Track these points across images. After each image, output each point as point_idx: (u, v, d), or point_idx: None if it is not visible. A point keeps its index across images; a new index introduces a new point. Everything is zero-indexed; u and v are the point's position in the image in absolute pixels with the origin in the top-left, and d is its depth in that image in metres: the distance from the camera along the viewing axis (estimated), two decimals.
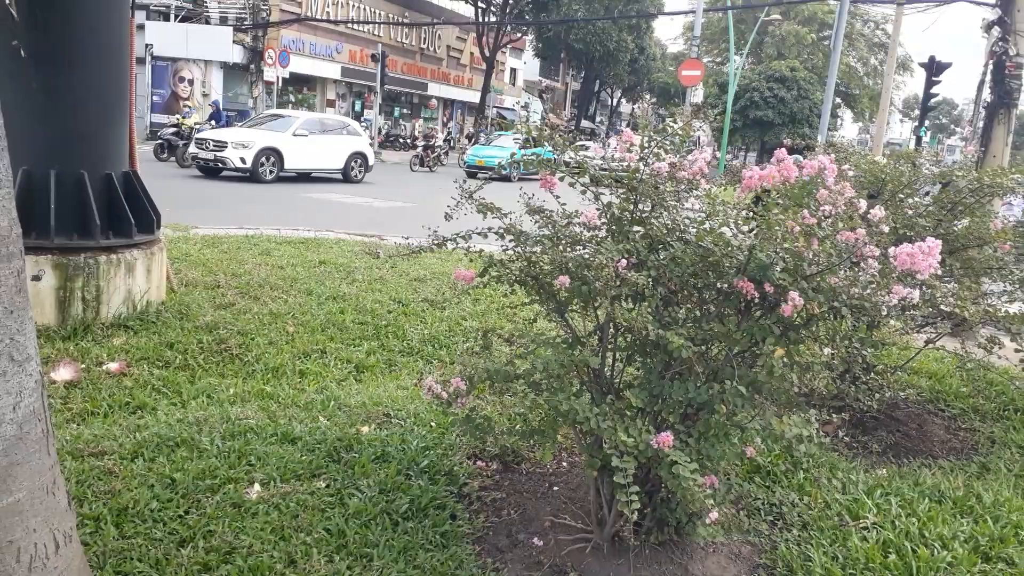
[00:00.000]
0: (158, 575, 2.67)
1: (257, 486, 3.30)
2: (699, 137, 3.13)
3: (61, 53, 5.19)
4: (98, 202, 5.45)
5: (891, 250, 2.56)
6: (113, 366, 4.69)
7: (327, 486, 3.36)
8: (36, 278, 5.05)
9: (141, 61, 26.91)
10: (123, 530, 2.91)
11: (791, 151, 3.04)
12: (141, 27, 26.54)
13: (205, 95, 29.75)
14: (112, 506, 3.04)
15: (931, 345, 5.07)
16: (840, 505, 3.52)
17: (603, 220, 2.92)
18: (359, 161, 20.97)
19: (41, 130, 5.21)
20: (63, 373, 4.49)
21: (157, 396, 4.42)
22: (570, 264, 2.77)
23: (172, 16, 30.53)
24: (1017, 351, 4.19)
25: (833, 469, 3.93)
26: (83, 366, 4.64)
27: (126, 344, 5.07)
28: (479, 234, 2.96)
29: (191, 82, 29.81)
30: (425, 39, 40.76)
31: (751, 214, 2.93)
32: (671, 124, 2.99)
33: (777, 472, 3.82)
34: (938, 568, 3.02)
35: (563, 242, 2.94)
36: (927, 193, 4.92)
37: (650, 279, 2.75)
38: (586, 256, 2.78)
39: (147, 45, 28.00)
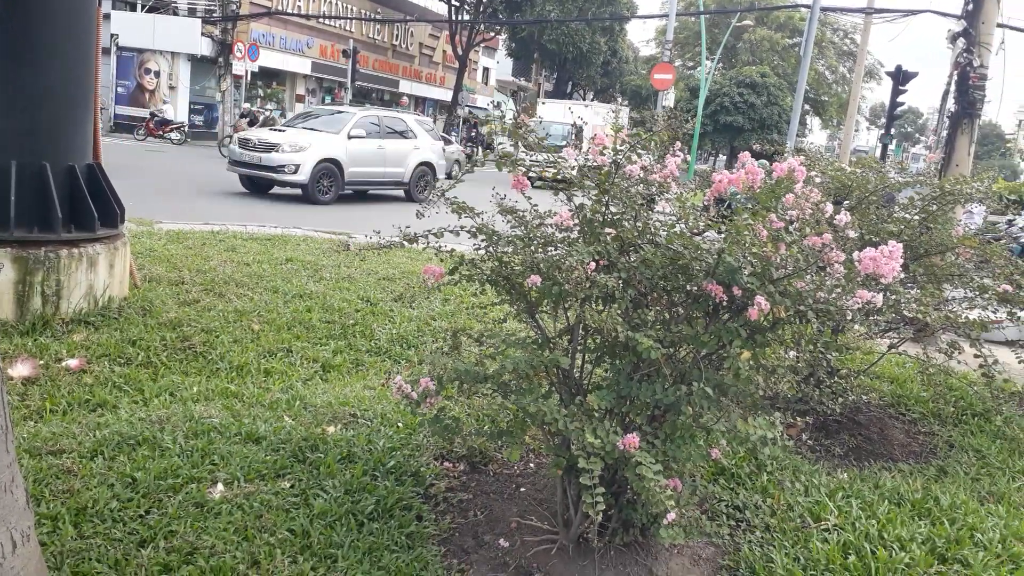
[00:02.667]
0: (117, 575, 2.62)
1: (220, 486, 3.25)
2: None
3: (24, 44, 5.07)
4: (60, 194, 5.34)
5: (855, 254, 2.60)
6: (73, 363, 4.59)
7: (292, 486, 3.32)
8: None
9: (106, 51, 26.40)
10: (82, 530, 2.85)
11: (759, 156, 3.08)
12: (107, 16, 26.00)
13: (172, 87, 29.28)
14: (71, 505, 2.97)
15: (893, 350, 5.16)
16: (802, 507, 3.57)
17: (575, 221, 2.93)
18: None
19: (2, 121, 5.09)
20: (21, 369, 4.39)
21: (118, 394, 4.33)
22: (541, 265, 2.77)
23: (139, 6, 29.99)
24: (976, 356, 4.28)
25: (796, 472, 3.99)
26: (42, 362, 4.54)
27: (87, 340, 4.97)
28: (451, 232, 2.96)
29: (157, 74, 29.31)
30: (397, 36, 40.56)
31: (716, 217, 2.97)
32: (642, 132, 3.01)
33: (741, 474, 3.86)
34: (896, 569, 3.07)
35: (535, 242, 2.94)
36: (887, 201, 5.00)
37: (620, 281, 2.76)
38: (557, 257, 2.79)
39: (112, 35, 27.46)
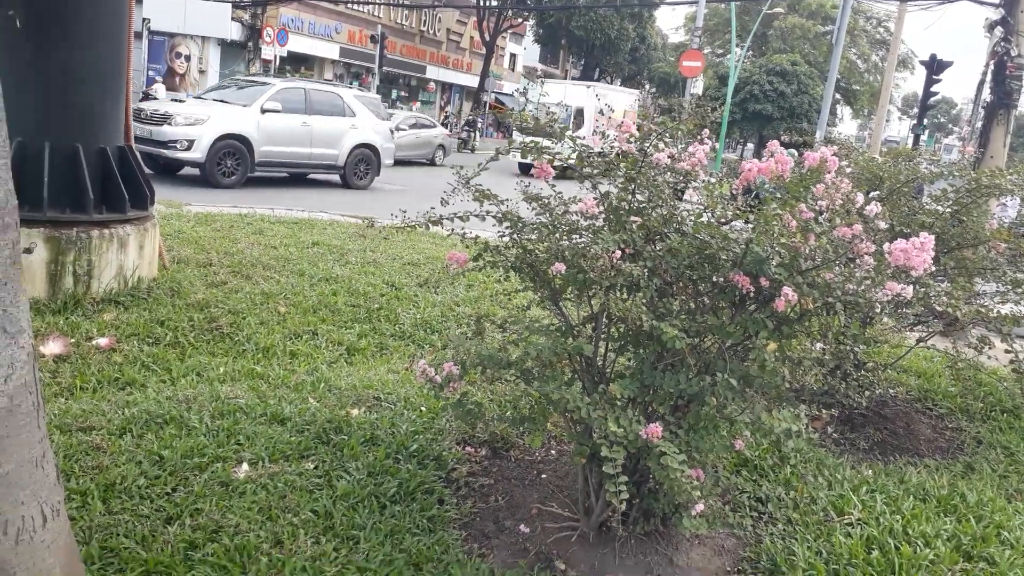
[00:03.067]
0: (144, 551, 2.67)
1: (245, 465, 3.29)
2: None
3: (58, 25, 5.13)
4: (92, 176, 5.41)
5: (886, 246, 2.56)
6: (103, 341, 4.67)
7: (315, 467, 3.35)
8: (28, 251, 5.01)
9: (138, 35, 26.62)
10: (110, 506, 2.90)
11: (788, 146, 3.04)
12: (139, 0, 26.23)
13: (202, 71, 29.50)
14: (99, 481, 3.03)
15: (922, 344, 5.09)
16: (826, 501, 3.54)
17: (600, 209, 2.91)
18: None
19: (36, 102, 5.16)
20: (53, 347, 4.47)
21: (146, 373, 4.40)
22: (566, 252, 2.76)
23: None
24: (1007, 352, 4.21)
25: (820, 465, 3.95)
26: (73, 341, 4.62)
27: (116, 320, 5.05)
28: (476, 216, 2.96)
29: (188, 58, 29.52)
30: (425, 21, 40.48)
31: (744, 206, 2.94)
32: (670, 122, 2.97)
33: (764, 466, 3.84)
34: (920, 566, 3.04)
35: (560, 230, 2.93)
36: (916, 193, 4.91)
37: (646, 270, 2.75)
38: (582, 245, 2.78)
39: (144, 19, 27.66)
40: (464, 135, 31.41)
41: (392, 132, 16.15)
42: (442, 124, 31.63)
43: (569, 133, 3.08)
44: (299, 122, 13.79)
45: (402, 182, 17.16)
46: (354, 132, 14.78)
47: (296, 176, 14.93)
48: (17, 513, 2.04)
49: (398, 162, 19.20)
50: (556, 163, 3.02)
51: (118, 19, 5.56)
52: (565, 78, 58.12)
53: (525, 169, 20.19)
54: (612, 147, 3.02)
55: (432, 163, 23.45)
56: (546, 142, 3.09)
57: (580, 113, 23.87)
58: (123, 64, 5.72)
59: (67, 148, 5.30)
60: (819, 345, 3.10)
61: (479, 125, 36.29)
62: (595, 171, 3.03)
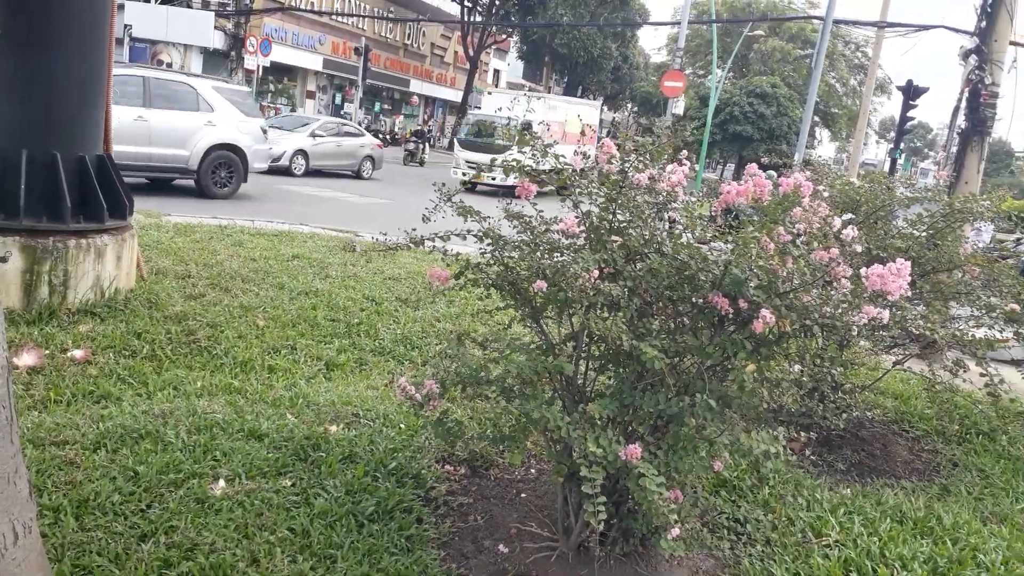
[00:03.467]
0: (117, 570, 2.62)
1: (222, 482, 3.25)
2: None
3: (39, 34, 5.09)
4: (70, 185, 5.35)
5: (863, 271, 2.60)
6: (78, 353, 4.60)
7: (293, 485, 3.32)
8: (2, 260, 4.94)
9: (120, 42, 26.40)
10: (83, 522, 2.86)
11: (767, 168, 3.08)
12: (121, 7, 25.92)
13: None
14: (73, 497, 2.98)
15: (898, 366, 5.14)
16: (804, 522, 3.56)
17: (581, 228, 2.93)
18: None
19: (14, 110, 5.12)
20: (27, 359, 4.40)
21: (122, 386, 4.34)
22: (547, 270, 2.77)
23: None
24: (982, 375, 4.27)
25: (798, 486, 3.98)
26: (47, 352, 4.55)
27: (92, 331, 4.98)
28: (458, 235, 2.96)
29: (169, 66, 29.36)
30: (409, 35, 40.62)
31: (724, 227, 2.97)
32: (648, 142, 3.00)
33: (743, 487, 3.85)
34: None
35: (541, 248, 2.94)
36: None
37: (626, 289, 2.76)
38: (563, 263, 2.79)
39: (126, 26, 27.43)
40: (411, 147, 29.41)
41: (265, 132, 14.02)
42: (422, 137, 31.13)
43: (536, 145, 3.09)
44: (133, 116, 11.77)
45: (283, 193, 15.55)
46: (209, 130, 12.72)
47: (157, 181, 13.11)
48: None
49: (321, 173, 19.05)
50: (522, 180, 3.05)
51: (99, 27, 5.52)
52: (548, 94, 58.49)
53: (471, 187, 20.07)
54: (582, 164, 3.04)
55: (358, 176, 21.26)
56: (526, 160, 3.11)
57: (529, 126, 23.49)
58: (103, 73, 5.68)
59: (45, 156, 5.25)
60: (797, 367, 3.13)
61: (429, 136, 35.65)
62: (572, 190, 3.05)
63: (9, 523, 2.06)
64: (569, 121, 24.26)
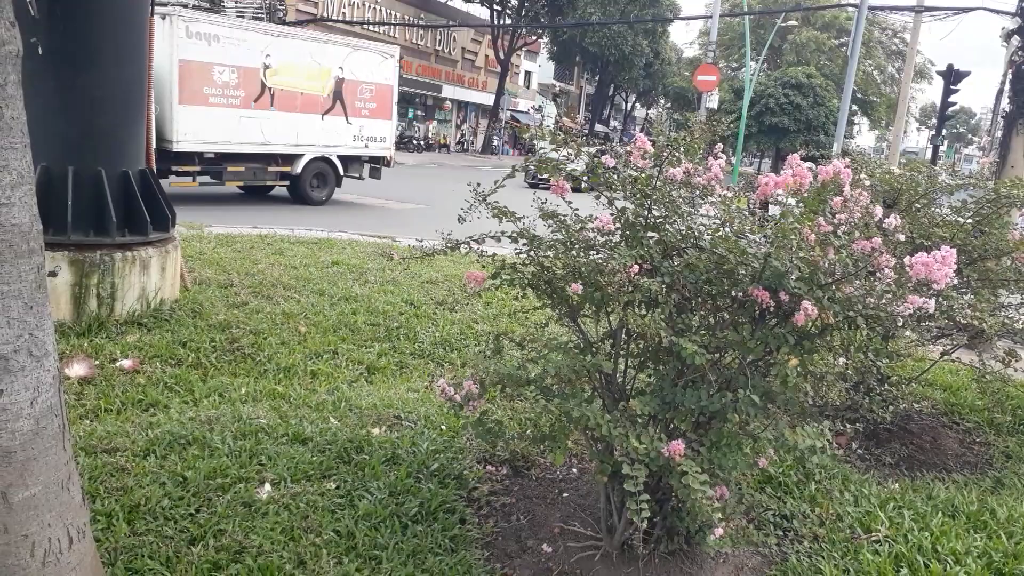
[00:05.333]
0: (168, 573, 2.68)
1: (268, 486, 3.31)
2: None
3: (80, 52, 5.23)
4: (115, 199, 5.50)
5: (907, 259, 2.54)
6: (126, 363, 4.71)
7: (337, 487, 3.36)
8: (52, 274, 5.08)
9: None
10: (135, 527, 2.92)
11: (805, 159, 3.02)
12: None
13: None
14: (124, 503, 3.05)
15: (946, 357, 5.03)
16: (852, 518, 3.50)
17: (617, 225, 2.91)
18: None
19: (60, 127, 5.26)
20: (77, 369, 4.52)
21: (169, 394, 4.44)
22: (583, 269, 2.77)
23: None
24: None
25: (845, 481, 3.91)
26: (97, 363, 4.67)
27: (139, 341, 5.10)
28: (492, 238, 2.96)
29: None
30: (440, 41, 40.83)
31: (762, 220, 2.93)
32: (682, 137, 2.96)
33: (789, 483, 3.79)
34: None
35: (576, 247, 2.93)
36: None
37: (664, 285, 2.74)
38: (599, 261, 2.78)
39: None
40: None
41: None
42: (457, 142, 31.01)
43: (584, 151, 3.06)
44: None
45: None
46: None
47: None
48: (44, 535, 2.06)
49: None
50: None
51: (139, 45, 5.67)
52: (580, 95, 58.26)
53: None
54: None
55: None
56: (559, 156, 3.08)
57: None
58: (144, 89, 5.82)
59: (90, 172, 5.39)
60: (841, 360, 3.08)
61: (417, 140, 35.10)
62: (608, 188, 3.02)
63: (63, 528, 2.12)
64: (304, 71, 14.27)
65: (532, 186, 17.76)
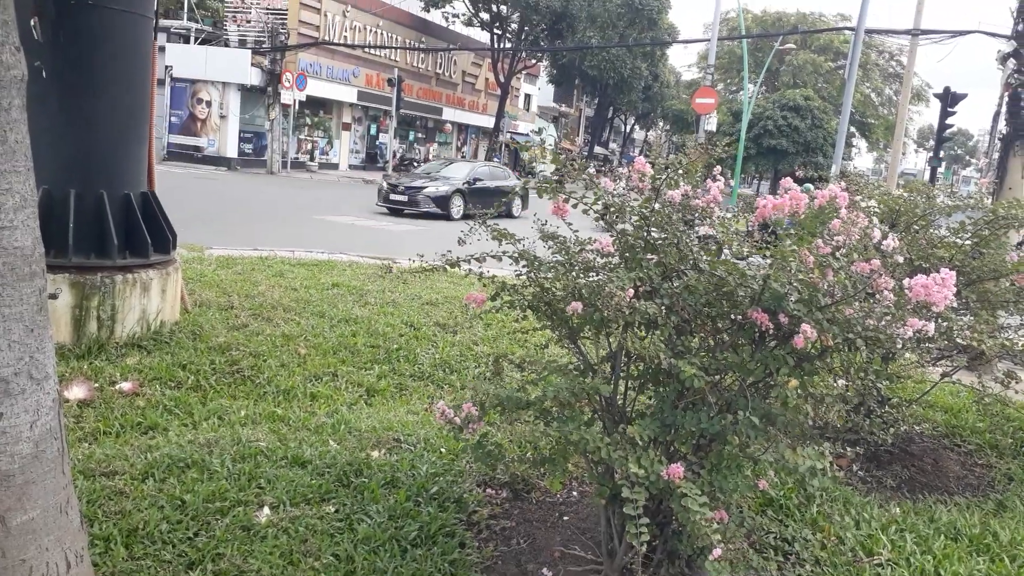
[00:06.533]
0: None
1: (267, 509, 3.29)
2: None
3: (83, 76, 5.28)
4: (116, 222, 5.51)
5: (906, 282, 2.55)
6: (126, 386, 4.71)
7: (336, 511, 3.34)
8: (53, 296, 5.08)
9: (161, 83, 27.28)
10: (133, 551, 2.91)
11: (804, 181, 3.04)
12: (162, 49, 26.91)
13: (223, 116, 30.11)
14: (122, 526, 3.04)
15: (947, 379, 5.02)
16: (854, 541, 3.48)
17: (616, 247, 2.93)
18: None
19: (61, 150, 5.29)
20: (77, 392, 4.51)
21: (169, 417, 4.43)
22: (583, 290, 2.77)
23: (192, 39, 31.00)
24: None
25: (847, 504, 3.89)
26: (96, 385, 4.66)
27: (139, 364, 5.10)
28: (493, 257, 2.97)
29: (209, 103, 30.18)
30: (441, 64, 41.15)
31: (761, 242, 2.94)
32: (681, 159, 2.98)
33: (790, 506, 3.77)
34: None
35: (576, 268, 2.94)
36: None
37: (663, 307, 2.74)
38: (599, 282, 2.78)
39: (167, 67, 28.40)
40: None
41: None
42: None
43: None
44: None
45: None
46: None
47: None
48: (42, 559, 2.05)
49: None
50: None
51: (142, 68, 5.71)
52: (580, 117, 58.61)
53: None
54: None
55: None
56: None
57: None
58: (146, 112, 5.86)
59: (92, 195, 5.42)
60: (841, 381, 3.07)
61: (417, 162, 35.03)
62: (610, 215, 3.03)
63: (62, 552, 2.11)
64: None
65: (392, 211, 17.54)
